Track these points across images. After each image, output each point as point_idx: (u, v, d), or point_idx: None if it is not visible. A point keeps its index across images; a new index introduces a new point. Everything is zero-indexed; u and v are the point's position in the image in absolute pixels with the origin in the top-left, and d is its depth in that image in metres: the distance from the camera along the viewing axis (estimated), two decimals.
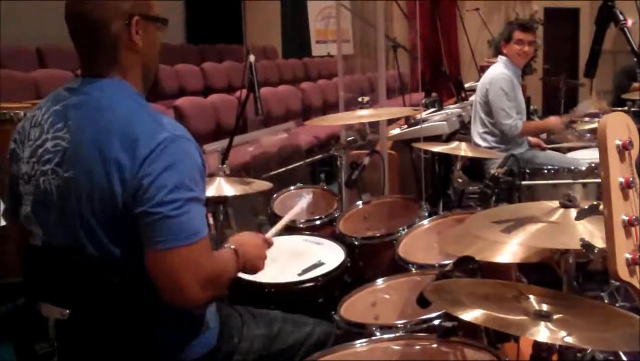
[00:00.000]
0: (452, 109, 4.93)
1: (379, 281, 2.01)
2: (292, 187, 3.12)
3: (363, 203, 2.76)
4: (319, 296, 2.06)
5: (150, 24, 1.55)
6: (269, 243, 1.83)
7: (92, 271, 1.45)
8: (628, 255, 1.05)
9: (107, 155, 1.39)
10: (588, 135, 4.12)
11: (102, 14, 1.47)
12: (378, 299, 1.96)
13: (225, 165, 2.56)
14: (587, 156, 3.90)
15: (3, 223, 2.99)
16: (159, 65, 1.65)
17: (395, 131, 4.23)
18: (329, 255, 2.25)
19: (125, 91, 1.51)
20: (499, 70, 4.08)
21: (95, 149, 1.41)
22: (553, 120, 4.16)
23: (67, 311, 1.46)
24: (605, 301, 2.88)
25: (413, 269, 2.09)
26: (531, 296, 1.35)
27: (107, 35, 1.48)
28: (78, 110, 1.47)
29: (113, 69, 1.51)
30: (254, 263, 1.72)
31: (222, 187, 2.48)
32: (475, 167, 3.85)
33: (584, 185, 3.20)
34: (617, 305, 2.83)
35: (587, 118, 4.51)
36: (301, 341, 1.76)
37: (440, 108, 5.05)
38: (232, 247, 1.63)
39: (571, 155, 4.13)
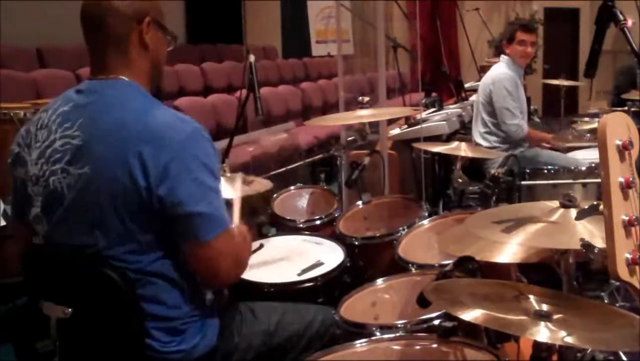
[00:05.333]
0: (452, 109, 4.93)
1: (379, 281, 2.01)
2: (292, 187, 3.12)
3: (363, 203, 2.75)
4: (318, 296, 2.06)
5: (161, 33, 1.61)
6: None
7: (94, 269, 1.46)
8: (628, 255, 1.05)
9: (126, 149, 1.41)
10: (588, 135, 4.13)
11: (117, 8, 1.51)
12: (378, 299, 1.96)
13: (225, 165, 2.56)
14: (587, 156, 3.90)
15: (3, 223, 3.00)
16: (162, 75, 1.69)
17: (395, 131, 4.22)
18: (329, 255, 2.25)
19: (135, 89, 1.54)
20: (502, 70, 4.09)
21: (111, 144, 1.43)
22: (552, 138, 4.17)
23: (69, 310, 1.46)
24: (605, 301, 2.87)
25: (413, 269, 2.09)
26: (531, 296, 1.35)
27: (119, 30, 1.52)
28: (88, 109, 1.49)
29: (123, 68, 1.54)
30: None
31: (222, 187, 2.47)
32: (475, 167, 3.85)
33: (584, 185, 3.20)
34: (617, 305, 2.83)
35: (587, 119, 4.51)
36: (301, 331, 1.76)
37: (440, 108, 5.05)
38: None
39: (571, 155, 4.13)
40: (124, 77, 1.54)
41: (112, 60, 1.54)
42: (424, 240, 2.33)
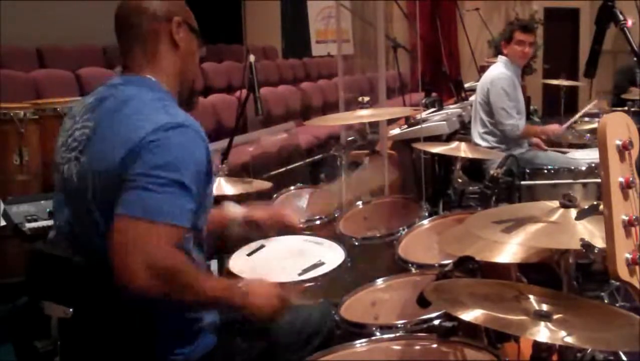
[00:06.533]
0: (452, 109, 4.93)
1: (379, 281, 2.01)
2: (292, 187, 3.12)
3: (363, 203, 2.75)
4: (319, 296, 2.06)
5: (193, 37, 1.62)
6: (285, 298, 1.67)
7: (94, 267, 1.45)
8: (628, 255, 1.05)
9: (117, 147, 1.41)
10: (588, 135, 4.13)
11: (146, 7, 1.54)
12: (378, 299, 1.96)
13: (225, 165, 2.56)
14: (587, 156, 3.90)
15: (3, 223, 2.99)
16: (195, 81, 1.68)
17: (395, 131, 4.22)
18: (329, 255, 2.25)
19: (152, 87, 1.54)
20: (500, 70, 4.09)
21: (109, 139, 1.44)
22: (554, 127, 4.18)
23: (71, 310, 1.46)
24: (605, 301, 2.88)
25: (413, 269, 2.09)
26: (531, 296, 1.35)
27: (148, 28, 1.55)
28: (105, 102, 1.52)
29: (149, 66, 1.56)
30: (260, 308, 1.57)
31: (222, 187, 2.48)
32: (475, 167, 3.85)
33: (584, 185, 3.21)
34: (617, 305, 2.83)
35: (587, 119, 4.51)
36: (299, 329, 1.76)
37: (441, 108, 5.05)
38: (240, 285, 1.57)
39: (571, 155, 4.14)
40: (146, 75, 1.55)
41: (138, 58, 1.56)
42: (424, 240, 2.33)
